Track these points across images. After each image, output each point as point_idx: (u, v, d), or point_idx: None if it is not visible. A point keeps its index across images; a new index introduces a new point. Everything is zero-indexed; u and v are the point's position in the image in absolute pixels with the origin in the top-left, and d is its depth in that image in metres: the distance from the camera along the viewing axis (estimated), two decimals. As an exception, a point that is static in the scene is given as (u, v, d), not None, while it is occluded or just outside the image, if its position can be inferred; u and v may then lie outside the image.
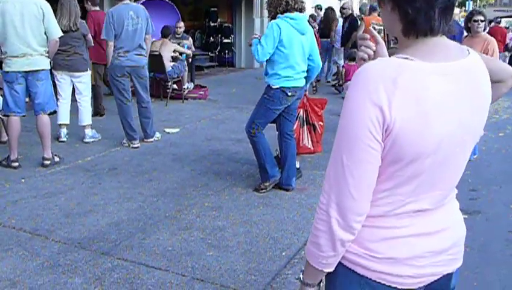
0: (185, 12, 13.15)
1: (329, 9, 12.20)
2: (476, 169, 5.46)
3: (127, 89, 6.22)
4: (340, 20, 11.53)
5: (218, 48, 15.11)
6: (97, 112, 7.53)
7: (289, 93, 4.53)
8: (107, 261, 3.38)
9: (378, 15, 8.18)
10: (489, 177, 5.43)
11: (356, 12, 13.75)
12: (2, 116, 5.57)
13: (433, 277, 1.38)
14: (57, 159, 5.44)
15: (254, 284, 3.15)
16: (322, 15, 12.83)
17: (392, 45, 3.34)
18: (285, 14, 4.44)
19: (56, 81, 6.17)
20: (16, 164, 5.23)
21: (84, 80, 6.36)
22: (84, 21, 6.36)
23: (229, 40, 15.13)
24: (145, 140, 6.41)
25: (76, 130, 6.44)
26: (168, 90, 9.22)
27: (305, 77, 4.70)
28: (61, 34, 5.32)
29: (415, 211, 1.32)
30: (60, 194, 4.58)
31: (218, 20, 15.31)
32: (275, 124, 4.87)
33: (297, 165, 5.04)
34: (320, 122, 5.14)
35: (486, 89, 1.34)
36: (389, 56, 1.35)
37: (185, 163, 5.62)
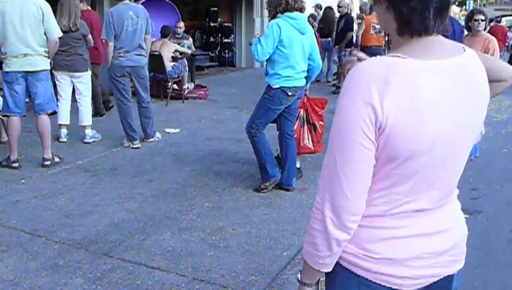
0: (185, 12, 13.14)
1: (328, 9, 12.19)
2: (477, 168, 5.45)
3: (127, 89, 6.22)
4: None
5: (219, 47, 15.10)
6: (97, 112, 7.52)
7: (289, 93, 4.52)
8: (108, 261, 3.38)
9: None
10: (491, 176, 5.42)
11: (357, 11, 13.75)
12: (2, 117, 5.57)
13: (432, 278, 1.37)
14: (57, 159, 5.43)
15: (255, 285, 3.14)
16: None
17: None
18: (286, 14, 4.43)
19: (56, 82, 6.16)
20: (16, 165, 5.23)
21: (85, 80, 6.36)
22: (84, 21, 6.36)
23: (229, 40, 15.12)
24: (145, 140, 6.41)
25: (77, 131, 6.43)
26: (168, 90, 9.22)
27: (306, 77, 4.69)
28: (61, 34, 5.31)
29: (414, 211, 1.31)
30: (60, 195, 4.57)
31: (219, 20, 15.29)
32: (275, 124, 4.86)
33: (298, 165, 5.03)
34: (321, 122, 5.13)
35: (483, 86, 1.33)
36: None
37: (185, 163, 5.62)
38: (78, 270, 3.25)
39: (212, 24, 15.18)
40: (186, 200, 4.50)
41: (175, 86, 9.42)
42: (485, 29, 5.79)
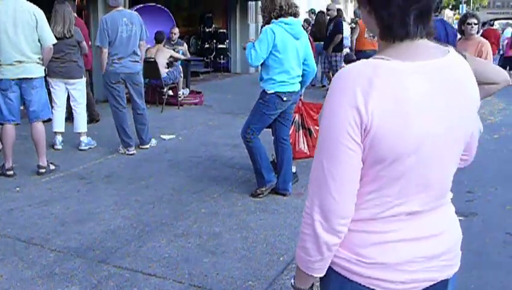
0: (179, 18, 13.16)
1: (320, 13, 12.25)
2: (472, 171, 5.44)
3: (122, 95, 6.21)
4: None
5: (213, 53, 15.12)
6: (92, 118, 7.51)
7: (284, 98, 4.53)
8: (104, 269, 3.37)
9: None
10: (485, 178, 5.43)
11: (351, 15, 13.78)
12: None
13: (426, 282, 1.35)
14: (52, 167, 5.41)
15: (252, 290, 3.14)
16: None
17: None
18: (280, 19, 4.44)
19: (51, 89, 6.15)
20: (11, 173, 5.20)
21: (79, 87, 6.35)
22: (78, 28, 6.36)
23: (224, 46, 15.14)
24: (140, 147, 6.40)
25: (72, 138, 6.42)
26: (163, 97, 9.21)
27: (300, 82, 4.70)
28: (55, 41, 5.30)
29: (405, 213, 1.31)
30: (56, 202, 4.55)
31: (213, 25, 15.33)
32: (270, 129, 4.87)
33: (294, 170, 5.04)
34: (316, 127, 5.15)
35: (470, 87, 1.33)
36: None
37: (181, 169, 5.61)
38: (74, 278, 3.23)
39: (206, 30, 15.21)
40: (182, 206, 4.50)
41: (170, 92, 9.41)
42: (478, 33, 5.82)
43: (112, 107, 6.20)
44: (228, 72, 15.25)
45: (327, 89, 8.21)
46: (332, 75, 10.19)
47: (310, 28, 12.30)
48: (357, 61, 1.26)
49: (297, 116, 5.06)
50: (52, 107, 5.93)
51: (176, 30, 10.47)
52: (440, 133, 1.25)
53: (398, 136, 1.20)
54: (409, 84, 1.21)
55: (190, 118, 8.50)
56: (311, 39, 8.33)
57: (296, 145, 5.06)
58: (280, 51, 4.43)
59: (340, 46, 10.83)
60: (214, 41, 15.11)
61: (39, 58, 5.16)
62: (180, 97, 9.53)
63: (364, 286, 1.32)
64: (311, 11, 14.58)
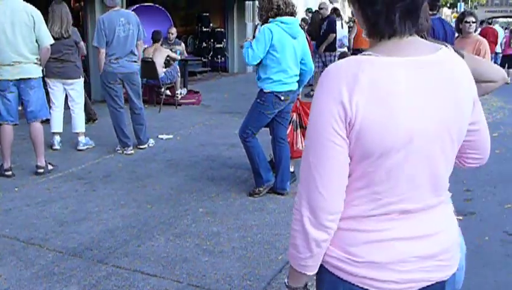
0: (177, 18, 13.14)
1: (316, 12, 12.24)
2: (470, 169, 5.45)
3: (120, 95, 6.21)
4: (339, 24, 11.44)
5: (211, 53, 15.11)
6: (89, 118, 7.50)
7: (282, 98, 4.53)
8: (102, 269, 3.37)
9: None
10: (484, 177, 5.44)
11: (349, 14, 13.78)
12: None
13: (420, 283, 1.33)
14: (50, 167, 5.41)
15: (250, 289, 3.14)
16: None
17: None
18: (277, 18, 4.44)
19: (49, 89, 6.15)
20: (9, 173, 5.20)
21: (77, 88, 6.34)
22: (76, 28, 6.35)
23: (221, 45, 15.14)
24: (138, 146, 6.40)
25: (70, 138, 6.42)
26: (161, 96, 9.21)
27: (298, 81, 4.70)
28: (53, 41, 5.30)
29: (398, 212, 1.29)
30: (54, 202, 4.55)
31: (211, 25, 15.31)
32: (268, 129, 4.87)
33: (292, 169, 5.04)
34: (314, 126, 5.13)
35: (464, 82, 1.32)
36: None
37: (179, 169, 5.61)
38: (72, 278, 3.23)
39: (204, 29, 15.20)
40: (180, 206, 4.50)
41: (168, 92, 9.42)
42: (475, 31, 5.83)
43: (110, 107, 6.20)
44: (226, 71, 15.25)
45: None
46: None
47: (307, 27, 12.28)
48: (345, 58, 1.27)
49: (295, 116, 5.05)
50: (50, 107, 5.93)
51: (174, 30, 10.46)
52: (430, 129, 1.24)
53: (383, 127, 1.19)
54: (395, 78, 1.20)
55: (188, 118, 8.50)
56: (308, 38, 8.33)
57: (294, 144, 5.05)
58: (278, 50, 4.43)
59: (333, 46, 10.79)
60: (212, 40, 15.10)
61: (37, 58, 5.16)
62: (177, 97, 9.52)
63: (357, 286, 1.31)
64: (309, 10, 14.57)
